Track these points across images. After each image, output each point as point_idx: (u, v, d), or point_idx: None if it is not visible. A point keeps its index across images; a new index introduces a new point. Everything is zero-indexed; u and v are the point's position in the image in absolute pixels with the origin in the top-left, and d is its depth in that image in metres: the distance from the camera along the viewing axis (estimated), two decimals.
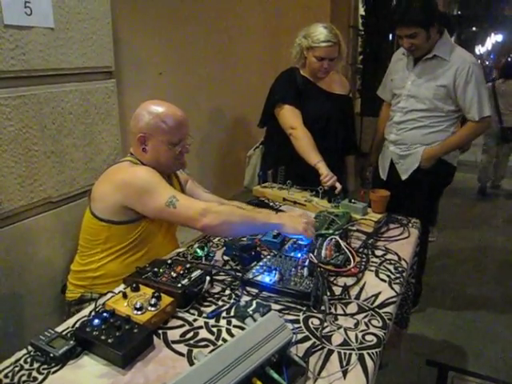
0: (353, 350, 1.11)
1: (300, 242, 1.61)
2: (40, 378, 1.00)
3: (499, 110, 5.01)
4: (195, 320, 1.22)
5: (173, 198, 1.48)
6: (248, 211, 1.61)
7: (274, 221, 1.57)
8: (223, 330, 1.17)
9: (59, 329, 1.16)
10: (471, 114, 2.34)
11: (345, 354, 1.09)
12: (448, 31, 2.40)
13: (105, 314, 1.11)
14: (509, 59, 8.50)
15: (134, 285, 1.25)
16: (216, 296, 1.33)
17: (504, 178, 5.77)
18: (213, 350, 1.07)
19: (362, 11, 6.28)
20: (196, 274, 1.33)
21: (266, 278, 1.36)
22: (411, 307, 2.05)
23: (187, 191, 1.91)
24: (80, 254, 1.68)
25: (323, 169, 2.17)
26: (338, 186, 2.12)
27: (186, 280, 1.29)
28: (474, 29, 16.85)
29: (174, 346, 1.11)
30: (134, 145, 1.65)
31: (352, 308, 1.30)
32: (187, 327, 1.18)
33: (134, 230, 1.59)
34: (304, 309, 1.27)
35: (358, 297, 1.36)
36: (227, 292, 1.36)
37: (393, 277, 1.49)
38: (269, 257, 1.51)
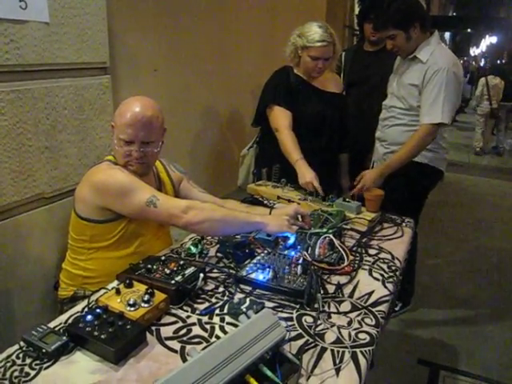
0: (346, 347, 1.11)
1: (288, 241, 1.58)
2: (32, 373, 0.99)
3: (490, 95, 7.54)
4: (188, 317, 1.22)
5: (153, 197, 1.48)
6: (230, 210, 1.59)
7: (257, 219, 1.55)
8: (216, 327, 1.17)
9: (52, 324, 1.15)
10: (420, 116, 2.26)
11: (338, 351, 1.10)
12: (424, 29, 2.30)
13: (98, 310, 1.11)
14: (502, 61, 9.66)
15: (128, 281, 1.25)
16: (209, 293, 1.33)
17: (489, 145, 8.17)
18: (206, 347, 1.07)
19: (357, 11, 6.29)
20: (189, 270, 1.33)
21: (260, 276, 1.36)
22: (395, 301, 2.05)
23: (181, 191, 1.85)
24: (69, 252, 1.68)
25: (300, 172, 2.16)
26: (317, 185, 2.09)
27: (180, 277, 1.29)
28: (468, 30, 16.95)
29: (166, 342, 1.11)
30: None
31: (345, 306, 1.30)
32: (180, 324, 1.18)
33: (117, 227, 1.58)
34: (297, 306, 1.27)
35: (351, 295, 1.36)
36: (221, 289, 1.36)
37: (386, 275, 1.50)
38: (263, 254, 1.51)
